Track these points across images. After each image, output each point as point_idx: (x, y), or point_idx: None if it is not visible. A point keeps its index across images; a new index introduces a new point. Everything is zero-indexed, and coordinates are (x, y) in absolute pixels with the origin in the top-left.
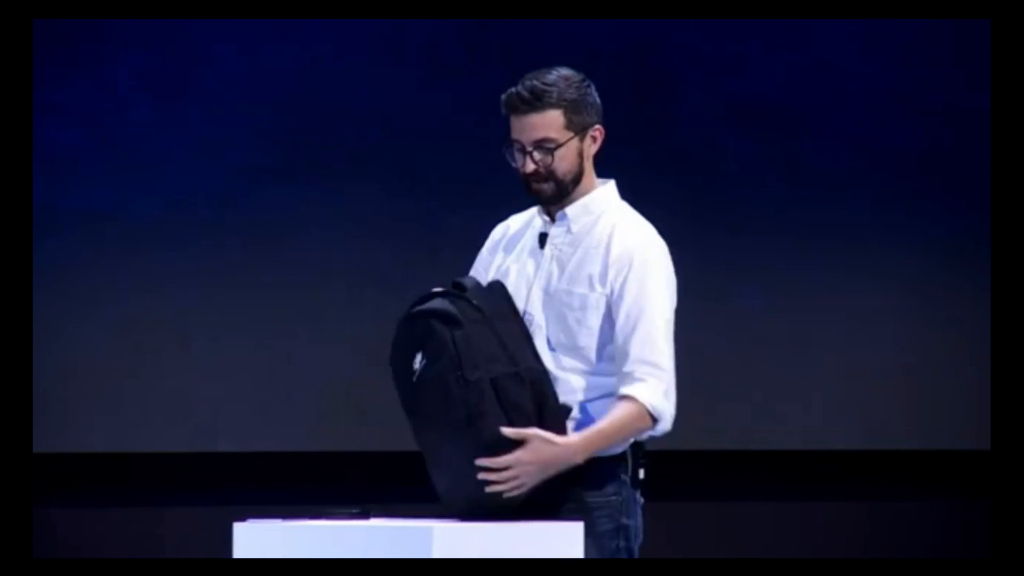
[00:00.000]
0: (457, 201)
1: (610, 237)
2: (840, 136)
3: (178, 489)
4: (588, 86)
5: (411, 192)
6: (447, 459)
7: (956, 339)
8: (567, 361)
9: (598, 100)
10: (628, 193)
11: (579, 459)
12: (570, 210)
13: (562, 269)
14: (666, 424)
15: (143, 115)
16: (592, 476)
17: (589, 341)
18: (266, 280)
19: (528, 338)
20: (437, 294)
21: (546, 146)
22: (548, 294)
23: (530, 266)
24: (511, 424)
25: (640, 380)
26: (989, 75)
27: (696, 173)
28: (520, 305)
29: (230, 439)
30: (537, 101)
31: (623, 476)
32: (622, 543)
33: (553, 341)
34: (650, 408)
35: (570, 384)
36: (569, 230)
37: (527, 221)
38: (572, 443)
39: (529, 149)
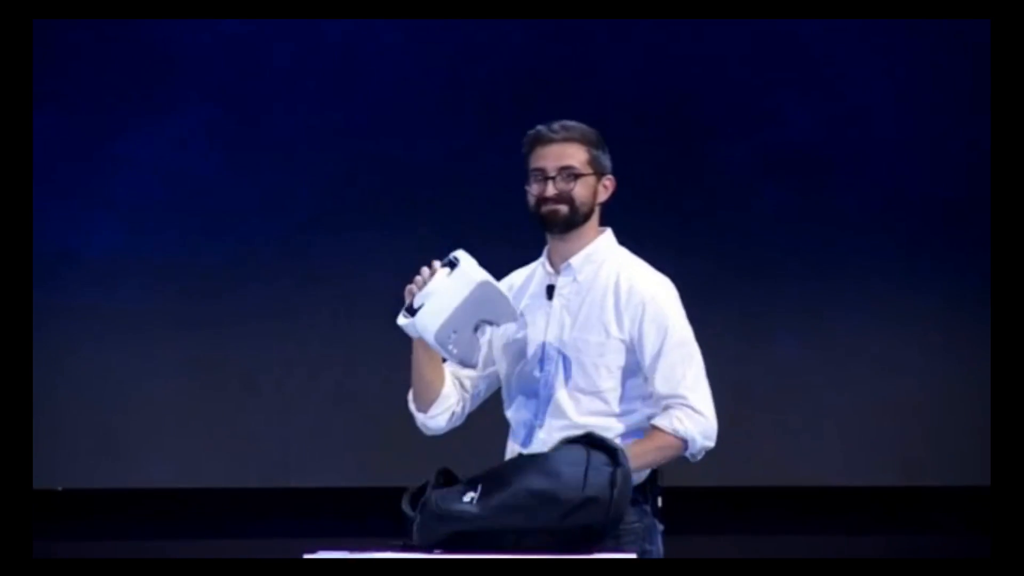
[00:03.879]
0: (507, 248)
1: (617, 284)
2: (871, 183)
3: (253, 521)
4: (604, 142)
5: (464, 240)
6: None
7: (972, 379)
8: (590, 404)
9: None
10: (668, 244)
11: None
12: (574, 260)
13: (573, 318)
14: (697, 443)
15: (211, 167)
16: None
17: (610, 383)
18: (329, 323)
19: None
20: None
21: (571, 172)
22: (563, 342)
23: (540, 318)
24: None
25: (664, 410)
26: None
27: (732, 221)
28: (535, 356)
29: (300, 475)
30: (565, 132)
31: (643, 505)
32: None
33: (574, 387)
34: (671, 432)
35: (594, 428)
36: (575, 279)
37: (529, 275)
38: None
39: (552, 175)
